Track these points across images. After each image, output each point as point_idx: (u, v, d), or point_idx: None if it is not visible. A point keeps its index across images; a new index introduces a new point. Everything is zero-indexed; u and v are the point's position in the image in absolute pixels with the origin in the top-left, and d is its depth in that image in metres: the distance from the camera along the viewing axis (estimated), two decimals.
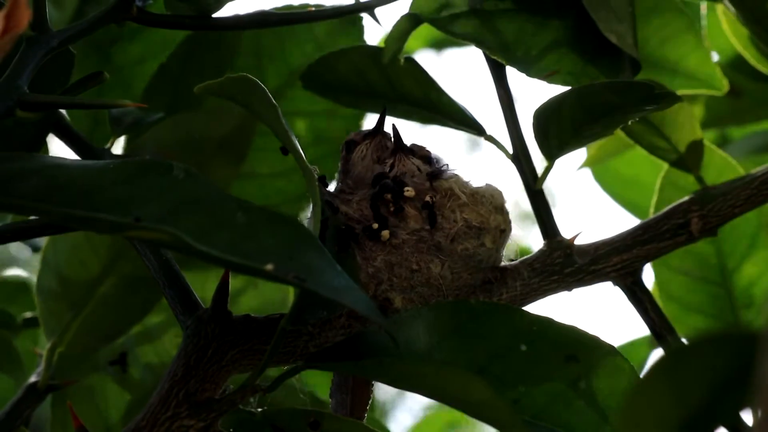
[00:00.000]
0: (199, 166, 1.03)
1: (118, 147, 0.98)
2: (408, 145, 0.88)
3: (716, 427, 0.49)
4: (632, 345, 1.38)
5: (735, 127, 1.29)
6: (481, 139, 0.94)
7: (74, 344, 0.99)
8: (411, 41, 0.97)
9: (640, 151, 0.99)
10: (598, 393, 0.75)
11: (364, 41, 1.09)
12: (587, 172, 1.34)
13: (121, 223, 0.66)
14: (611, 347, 0.76)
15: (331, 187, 0.89)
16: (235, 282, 1.08)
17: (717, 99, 1.14)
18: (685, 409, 0.47)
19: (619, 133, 0.93)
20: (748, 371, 0.46)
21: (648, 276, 0.93)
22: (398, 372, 0.73)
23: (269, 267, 0.64)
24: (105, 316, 1.00)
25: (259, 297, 1.12)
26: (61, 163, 0.73)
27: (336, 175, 0.91)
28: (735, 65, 1.13)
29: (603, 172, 1.36)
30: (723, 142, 1.26)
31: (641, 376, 0.75)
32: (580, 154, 1.32)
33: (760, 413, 0.44)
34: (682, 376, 0.46)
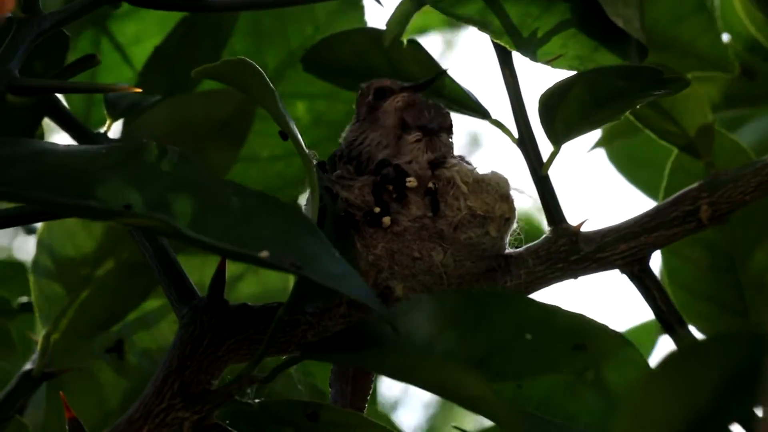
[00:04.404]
0: (198, 150, 1.01)
1: (115, 131, 0.97)
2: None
3: (724, 426, 0.47)
4: (639, 330, 1.37)
5: (749, 109, 1.26)
6: (482, 138, 0.92)
7: (70, 331, 0.97)
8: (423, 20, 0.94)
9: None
10: (606, 383, 0.72)
11: (365, 23, 1.07)
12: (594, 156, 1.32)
13: (111, 210, 0.64)
14: (620, 336, 0.73)
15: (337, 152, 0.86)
16: (234, 268, 1.07)
17: (731, 81, 1.12)
18: (692, 407, 0.45)
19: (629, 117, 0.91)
20: (757, 370, 0.44)
21: (654, 261, 0.91)
22: (396, 365, 0.71)
23: (264, 254, 0.62)
24: (102, 303, 0.99)
25: (260, 283, 1.10)
26: (51, 149, 0.71)
27: (353, 121, 0.88)
28: (750, 47, 1.11)
29: (617, 153, 1.34)
30: (735, 126, 1.24)
31: (650, 365, 0.74)
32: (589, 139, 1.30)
33: None
34: (690, 375, 0.44)
